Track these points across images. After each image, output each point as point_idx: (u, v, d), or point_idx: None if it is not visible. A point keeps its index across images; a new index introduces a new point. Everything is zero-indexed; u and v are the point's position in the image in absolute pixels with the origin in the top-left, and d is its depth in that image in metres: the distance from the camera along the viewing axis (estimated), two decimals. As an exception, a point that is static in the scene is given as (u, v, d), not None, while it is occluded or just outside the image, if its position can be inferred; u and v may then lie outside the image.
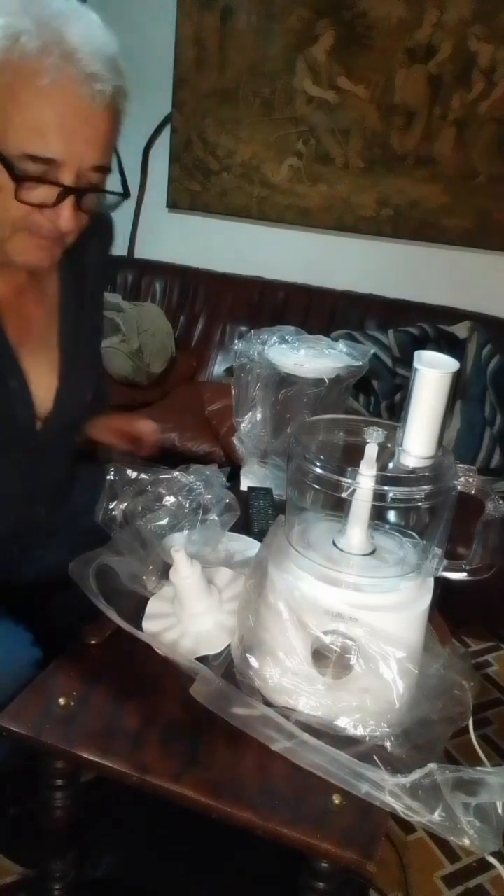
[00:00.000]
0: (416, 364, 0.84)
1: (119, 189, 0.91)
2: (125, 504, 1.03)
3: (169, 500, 1.04)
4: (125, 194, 0.91)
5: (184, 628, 0.96)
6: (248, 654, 0.88)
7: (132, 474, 1.07)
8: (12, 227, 0.87)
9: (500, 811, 0.76)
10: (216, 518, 1.04)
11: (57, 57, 0.78)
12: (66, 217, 0.85)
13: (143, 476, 1.07)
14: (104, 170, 0.87)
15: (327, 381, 1.29)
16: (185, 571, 0.95)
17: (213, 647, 0.94)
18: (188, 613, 0.96)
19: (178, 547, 0.96)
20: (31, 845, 1.19)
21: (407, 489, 0.83)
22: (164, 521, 1.02)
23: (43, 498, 1.14)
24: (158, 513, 1.02)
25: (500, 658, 2.00)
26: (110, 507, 1.02)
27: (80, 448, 1.28)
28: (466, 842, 0.74)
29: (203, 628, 0.96)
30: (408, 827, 1.40)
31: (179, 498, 1.04)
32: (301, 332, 1.42)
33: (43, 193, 0.83)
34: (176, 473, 1.08)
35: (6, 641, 0.99)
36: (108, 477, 1.05)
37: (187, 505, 1.04)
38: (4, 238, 0.88)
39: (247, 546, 1.12)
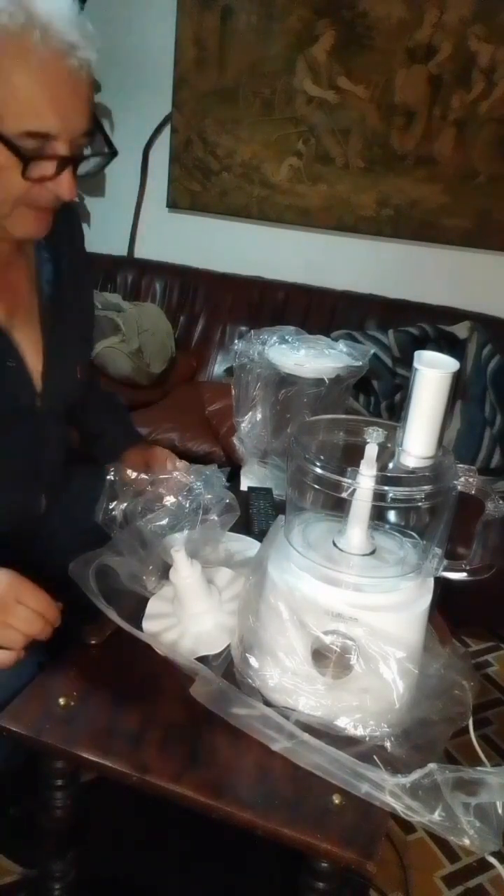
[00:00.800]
0: (416, 364, 0.84)
1: (104, 149, 0.94)
2: (125, 504, 1.03)
3: (169, 500, 1.04)
4: (113, 152, 0.95)
5: (184, 628, 0.96)
6: (248, 654, 0.88)
7: (132, 474, 1.07)
8: (14, 203, 0.89)
9: (500, 811, 0.76)
10: (216, 518, 1.04)
11: (39, 32, 0.79)
12: (66, 186, 0.88)
13: (143, 476, 1.07)
14: (90, 134, 0.89)
15: (327, 381, 1.29)
16: (185, 571, 0.95)
17: (214, 647, 0.94)
18: (188, 613, 0.96)
19: (178, 547, 0.96)
20: (31, 845, 1.19)
21: (407, 489, 0.83)
22: (164, 521, 1.02)
23: (43, 483, 1.15)
24: (158, 513, 1.02)
25: (500, 658, 2.00)
26: (110, 507, 1.03)
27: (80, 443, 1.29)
28: (466, 842, 0.74)
29: (203, 628, 0.96)
30: (408, 827, 1.40)
31: (179, 498, 1.04)
32: (301, 332, 1.42)
33: (43, 167, 0.86)
34: (176, 473, 1.08)
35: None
36: (108, 477, 1.05)
37: (187, 505, 1.04)
38: (5, 214, 0.90)
39: (247, 546, 1.12)
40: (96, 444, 1.33)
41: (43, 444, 1.12)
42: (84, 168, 0.91)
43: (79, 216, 1.19)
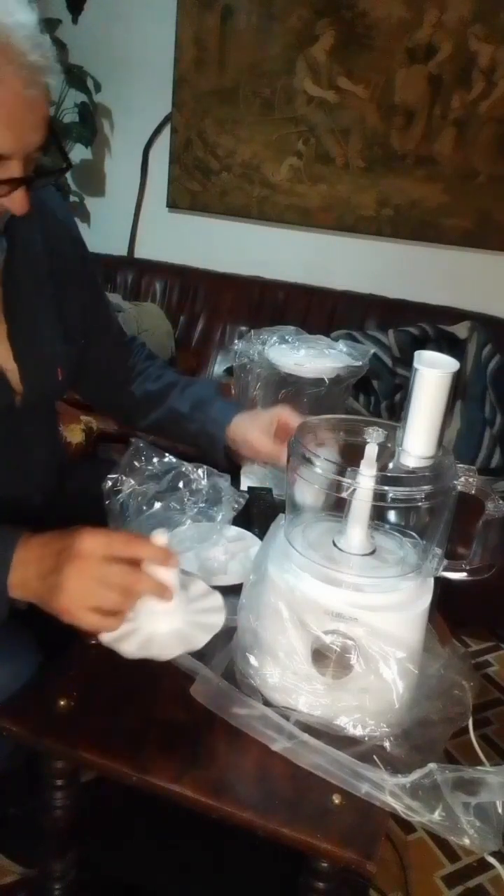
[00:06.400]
0: (416, 364, 0.84)
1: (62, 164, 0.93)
2: (133, 483, 1.02)
3: (174, 492, 1.04)
4: (67, 166, 0.94)
5: (138, 624, 0.85)
6: (248, 654, 0.88)
7: (150, 456, 1.06)
8: None
9: (500, 811, 0.76)
10: (218, 514, 1.04)
11: (1, 55, 0.78)
12: (19, 203, 0.87)
13: (157, 463, 1.06)
14: (45, 147, 0.87)
15: (327, 381, 1.30)
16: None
17: (161, 653, 0.83)
18: (145, 608, 0.85)
19: (160, 534, 0.85)
20: (31, 845, 1.19)
21: (407, 489, 0.83)
22: (162, 512, 1.02)
23: (35, 482, 1.15)
24: (157, 508, 1.02)
25: (500, 658, 2.00)
26: (121, 479, 1.02)
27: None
28: (466, 842, 0.74)
29: (157, 630, 0.85)
30: (408, 827, 1.40)
31: (186, 491, 1.04)
32: (301, 332, 1.42)
33: None
34: (185, 466, 1.07)
35: (7, 641, 0.99)
36: (131, 449, 1.05)
37: (187, 497, 1.04)
38: None
39: (248, 542, 1.12)
40: (190, 420, 1.26)
41: (28, 443, 1.12)
42: (41, 183, 0.90)
43: (68, 224, 1.16)
